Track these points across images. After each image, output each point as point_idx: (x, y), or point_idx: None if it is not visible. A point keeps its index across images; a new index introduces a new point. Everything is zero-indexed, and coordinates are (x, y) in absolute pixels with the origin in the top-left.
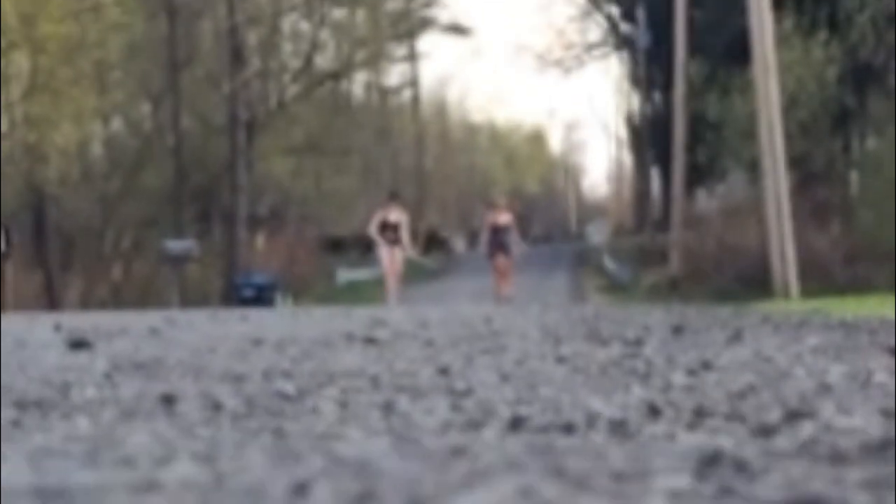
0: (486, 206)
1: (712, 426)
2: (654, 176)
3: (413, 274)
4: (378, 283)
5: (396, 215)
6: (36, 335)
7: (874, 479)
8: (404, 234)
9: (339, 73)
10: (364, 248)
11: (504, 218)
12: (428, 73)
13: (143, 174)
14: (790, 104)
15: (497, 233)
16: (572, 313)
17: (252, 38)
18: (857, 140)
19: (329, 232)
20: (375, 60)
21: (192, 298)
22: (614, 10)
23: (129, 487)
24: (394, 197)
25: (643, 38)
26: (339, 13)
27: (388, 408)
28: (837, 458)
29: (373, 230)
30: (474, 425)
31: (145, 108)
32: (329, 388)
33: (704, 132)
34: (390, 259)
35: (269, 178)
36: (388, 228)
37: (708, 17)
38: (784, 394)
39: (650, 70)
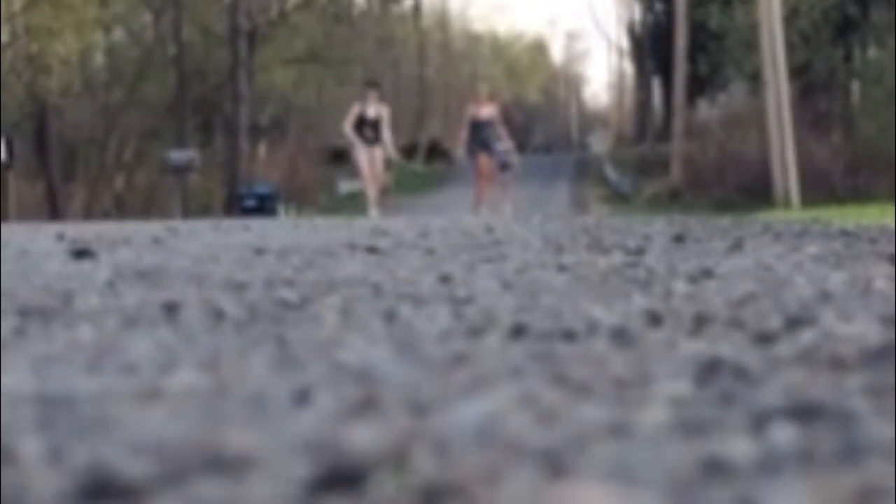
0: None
1: (713, 334)
2: (656, 86)
3: (411, 183)
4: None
5: (375, 109)
6: (39, 244)
7: (874, 385)
8: (385, 132)
9: None
10: None
11: (486, 111)
12: None
13: (144, 84)
14: (791, 14)
15: (478, 129)
16: (574, 223)
17: None
18: (858, 49)
19: (330, 142)
20: None
21: (194, 208)
22: None
23: (132, 394)
24: (372, 86)
25: None
26: None
27: (389, 316)
28: (837, 364)
29: (348, 128)
30: (476, 333)
31: (147, 18)
32: (331, 297)
33: (706, 42)
34: (369, 162)
35: (270, 88)
36: (366, 125)
37: None
38: (784, 301)
39: None
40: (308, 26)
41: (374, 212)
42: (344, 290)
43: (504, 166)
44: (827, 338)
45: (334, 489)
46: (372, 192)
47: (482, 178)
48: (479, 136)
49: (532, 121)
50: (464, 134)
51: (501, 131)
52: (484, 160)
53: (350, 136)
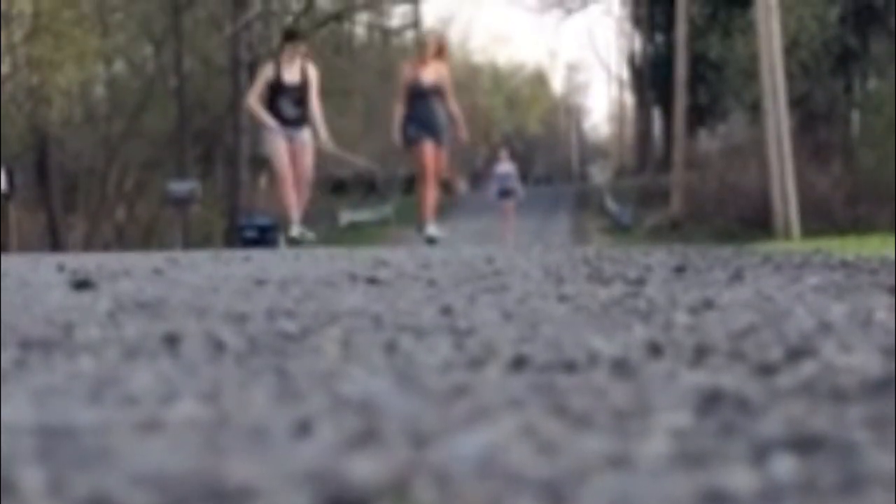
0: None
1: (714, 364)
2: (656, 116)
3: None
4: (381, 226)
5: (296, 72)
6: (39, 276)
7: (875, 416)
8: (315, 106)
9: (341, 15)
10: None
11: (432, 74)
12: (430, 14)
13: (145, 116)
14: (792, 45)
15: (421, 101)
16: (574, 253)
17: None
18: (858, 80)
19: (331, 173)
20: (377, 2)
21: (194, 239)
22: None
23: (133, 426)
24: (292, 38)
25: None
26: None
27: (390, 347)
28: (838, 396)
29: (252, 101)
30: (476, 364)
31: (147, 49)
32: (332, 328)
33: (706, 72)
34: (291, 155)
35: None
36: (283, 96)
37: None
38: (785, 332)
39: (652, 10)
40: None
41: (295, 229)
42: (345, 321)
43: (505, 193)
44: (828, 369)
45: None
46: (292, 198)
47: (427, 180)
48: (422, 111)
49: (532, 152)
50: (398, 110)
51: (454, 107)
52: (429, 150)
53: (258, 112)
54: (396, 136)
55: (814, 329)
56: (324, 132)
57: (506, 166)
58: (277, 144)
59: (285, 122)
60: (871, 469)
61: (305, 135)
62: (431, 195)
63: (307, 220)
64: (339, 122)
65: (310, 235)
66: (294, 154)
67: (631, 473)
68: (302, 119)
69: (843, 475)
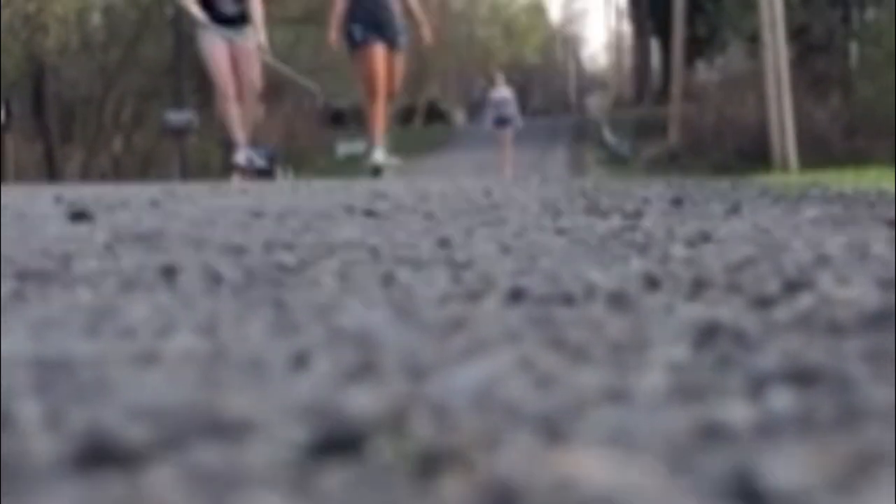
0: None
1: (711, 297)
2: (654, 47)
3: (409, 145)
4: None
5: None
6: (36, 207)
7: (872, 349)
8: (255, 5)
9: None
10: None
11: None
12: None
13: (142, 45)
14: None
15: None
16: (572, 186)
17: None
18: (856, 11)
19: (329, 104)
20: None
21: (192, 170)
22: None
23: (130, 358)
24: None
25: None
26: None
27: (387, 279)
28: (836, 328)
29: None
30: (474, 296)
31: None
32: (329, 260)
33: (704, 3)
34: (230, 59)
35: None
36: None
37: None
38: (782, 265)
39: None
40: None
41: (242, 155)
42: (342, 253)
43: (502, 121)
44: (825, 302)
45: (332, 454)
46: (236, 115)
47: (376, 92)
48: (370, 4)
49: (530, 83)
50: (338, 5)
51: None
52: (379, 55)
53: (187, 5)
54: (333, 35)
55: (811, 262)
56: (262, 35)
57: (503, 91)
58: (214, 48)
59: (223, 20)
60: (868, 402)
61: (249, 36)
62: (381, 112)
63: (306, 154)
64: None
65: (260, 162)
66: (235, 60)
67: (628, 407)
68: (244, 17)
69: (841, 408)
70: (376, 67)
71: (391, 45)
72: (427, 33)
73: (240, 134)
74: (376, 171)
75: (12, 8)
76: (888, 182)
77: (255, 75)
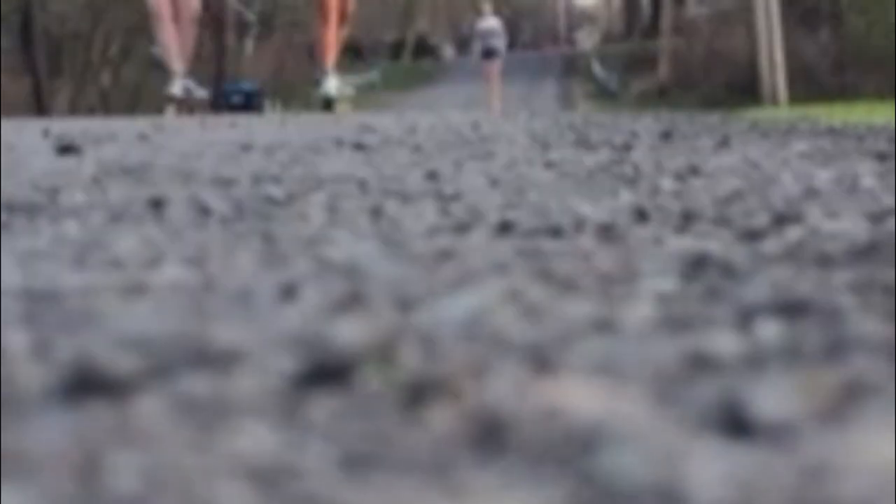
0: None
1: (699, 230)
2: None
3: (398, 80)
4: (366, 92)
5: None
6: (24, 141)
7: (860, 281)
8: None
9: None
10: (352, 56)
11: None
12: None
13: None
14: None
15: None
16: (561, 120)
17: None
18: None
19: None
20: None
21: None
22: None
23: (118, 289)
24: None
25: None
26: None
27: (376, 212)
28: (824, 261)
29: None
30: (462, 229)
31: None
32: (317, 193)
33: None
34: (173, 7)
35: None
36: None
37: None
38: (771, 198)
39: None
40: None
41: (169, 114)
42: (330, 186)
43: (490, 52)
44: (814, 235)
45: (320, 383)
46: (175, 51)
47: (327, 14)
48: None
49: (519, 17)
50: None
51: None
52: None
53: None
54: None
55: (800, 195)
56: None
57: (490, 21)
58: None
59: None
60: (856, 333)
61: None
62: (332, 36)
63: (295, 88)
64: None
65: (201, 93)
66: (177, 8)
67: (616, 337)
68: None
69: (829, 339)
70: None
71: None
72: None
73: (176, 61)
74: (328, 104)
75: None
76: (877, 116)
77: (191, 28)
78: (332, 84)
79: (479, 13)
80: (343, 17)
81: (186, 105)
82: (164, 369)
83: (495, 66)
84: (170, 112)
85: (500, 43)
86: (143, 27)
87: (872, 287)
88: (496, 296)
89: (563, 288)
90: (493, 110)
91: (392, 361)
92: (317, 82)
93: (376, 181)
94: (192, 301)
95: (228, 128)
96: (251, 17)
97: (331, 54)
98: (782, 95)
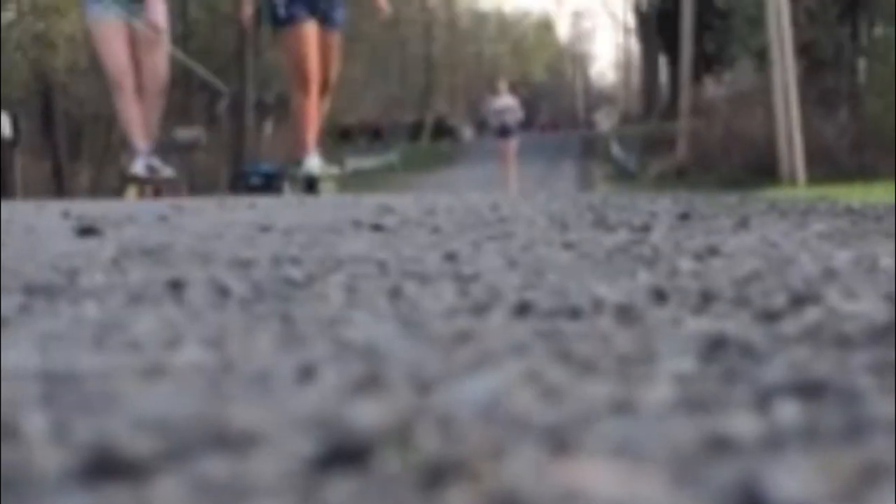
0: None
1: (718, 311)
2: (662, 64)
3: (417, 160)
4: (386, 173)
5: None
6: (44, 222)
7: (879, 362)
8: None
9: None
10: (371, 137)
11: None
12: None
13: None
14: None
15: None
16: (579, 200)
17: None
18: (865, 27)
19: (337, 120)
20: None
21: (199, 186)
22: None
23: (137, 371)
24: None
25: None
26: None
27: (394, 293)
28: (843, 342)
29: None
30: (481, 310)
31: None
32: (336, 274)
33: (712, 20)
34: (124, 41)
35: (277, 66)
36: None
37: None
38: (790, 279)
39: None
40: None
41: (140, 158)
42: (349, 267)
43: (505, 131)
44: (832, 315)
45: (339, 465)
46: (137, 126)
47: (308, 82)
48: None
49: (538, 99)
50: None
51: None
52: (310, 35)
53: None
54: (246, 11)
55: (818, 275)
56: (160, 14)
57: (505, 99)
58: (107, 27)
59: None
60: (874, 415)
61: (157, 14)
62: (313, 108)
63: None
64: (345, 69)
65: (167, 172)
66: (135, 45)
67: (634, 419)
68: None
69: (847, 421)
70: (306, 51)
71: (325, 21)
72: (383, 5)
73: (139, 137)
74: (310, 185)
75: (21, 26)
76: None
77: (159, 64)
78: (315, 163)
79: (494, 91)
80: (325, 86)
81: (152, 186)
82: (183, 451)
83: (511, 144)
84: (131, 194)
85: (515, 121)
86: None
87: (891, 368)
88: (514, 377)
89: (581, 369)
90: (511, 190)
91: (410, 443)
92: (297, 162)
93: (395, 262)
94: (210, 382)
95: (247, 209)
96: (223, 88)
97: (312, 129)
98: (801, 176)
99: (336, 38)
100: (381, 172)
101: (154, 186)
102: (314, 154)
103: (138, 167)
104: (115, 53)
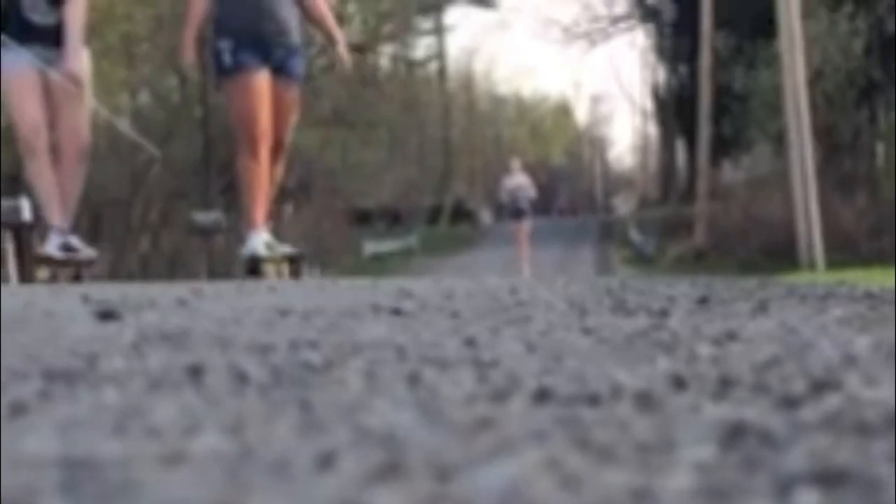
0: None
1: (737, 397)
2: (680, 148)
3: (436, 244)
4: (404, 257)
5: None
6: (64, 306)
7: None
8: (75, 16)
9: (366, 46)
10: (390, 221)
11: None
12: (454, 46)
13: (170, 146)
14: (816, 76)
15: None
16: (598, 284)
17: None
18: (882, 112)
19: (356, 204)
20: (402, 33)
21: (219, 270)
22: None
23: (156, 458)
24: None
25: (669, 10)
26: None
27: (413, 379)
28: (863, 429)
29: None
30: (500, 396)
31: (173, 80)
32: (355, 359)
33: (730, 104)
34: (36, 93)
35: (296, 150)
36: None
37: None
38: (809, 365)
39: (676, 42)
40: (333, 89)
41: (55, 217)
42: (368, 352)
43: (517, 212)
44: (852, 402)
45: None
46: (51, 190)
47: (257, 142)
48: (242, 10)
49: (556, 183)
50: (194, 5)
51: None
52: (260, 81)
53: None
54: (187, 54)
55: (838, 361)
56: (81, 63)
57: (518, 178)
58: (18, 78)
59: (33, 35)
60: None
61: (75, 63)
62: (263, 175)
63: (333, 253)
64: (364, 153)
65: (87, 252)
66: (52, 98)
67: None
68: (53, 42)
69: None
70: (255, 105)
71: (280, 72)
72: (342, 54)
73: (54, 211)
74: (253, 268)
75: None
76: None
77: (79, 124)
78: (261, 240)
79: (506, 170)
80: (278, 148)
81: (68, 269)
82: None
83: (524, 226)
84: (41, 276)
85: (528, 200)
86: (182, 193)
87: None
88: (534, 464)
89: (600, 456)
90: (524, 273)
91: None
92: (239, 238)
93: (414, 347)
94: (229, 470)
95: (267, 292)
96: (155, 153)
97: (260, 200)
98: (820, 260)
99: (293, 93)
100: (400, 256)
101: (72, 270)
102: (262, 230)
103: (52, 246)
104: (27, 110)
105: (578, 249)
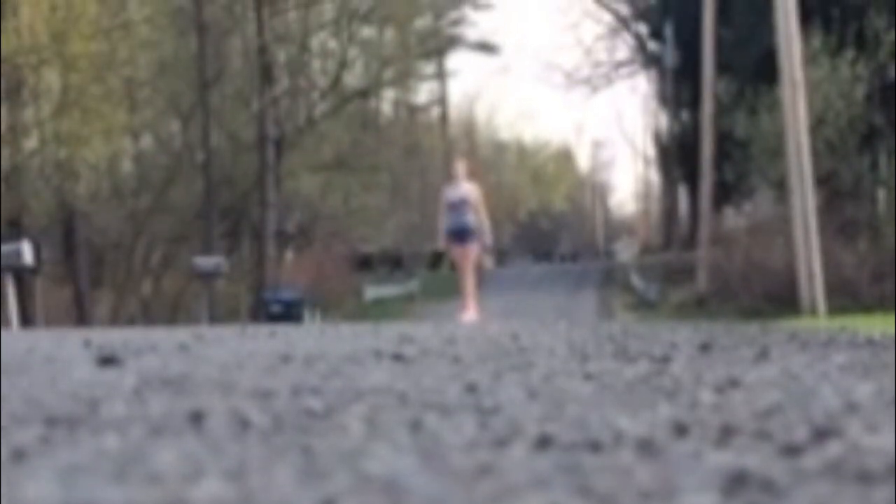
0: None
1: (739, 444)
2: (682, 194)
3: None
4: (406, 302)
5: None
6: (65, 351)
7: None
8: None
9: (368, 91)
10: (391, 265)
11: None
12: (456, 91)
13: (172, 191)
14: (817, 123)
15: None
16: (599, 330)
17: (281, 55)
18: (884, 158)
19: (357, 248)
20: (404, 78)
21: (220, 314)
22: (642, 29)
23: None
24: None
25: (671, 57)
26: (367, 31)
27: (415, 425)
28: (865, 477)
29: None
30: (502, 443)
31: (175, 125)
32: (357, 405)
33: (732, 150)
34: None
35: (297, 194)
36: None
37: (736, 35)
38: (811, 412)
39: (678, 88)
40: (335, 133)
41: None
42: (370, 398)
43: (460, 233)
44: (854, 450)
45: None
46: None
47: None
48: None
49: (558, 229)
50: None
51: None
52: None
53: None
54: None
55: (840, 408)
56: None
57: (462, 188)
58: None
59: None
60: None
61: None
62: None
63: (334, 297)
64: (365, 197)
65: None
66: None
67: None
68: None
69: None
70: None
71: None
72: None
73: None
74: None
75: (43, 155)
76: None
77: None
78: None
79: (450, 177)
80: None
81: None
82: None
83: (470, 251)
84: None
85: (473, 218)
86: (183, 238)
87: None
88: None
89: (602, 503)
90: (467, 316)
91: None
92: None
93: (415, 393)
94: None
95: (268, 337)
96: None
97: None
98: (821, 306)
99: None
100: (402, 300)
101: None
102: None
103: None
104: None
105: (580, 295)
